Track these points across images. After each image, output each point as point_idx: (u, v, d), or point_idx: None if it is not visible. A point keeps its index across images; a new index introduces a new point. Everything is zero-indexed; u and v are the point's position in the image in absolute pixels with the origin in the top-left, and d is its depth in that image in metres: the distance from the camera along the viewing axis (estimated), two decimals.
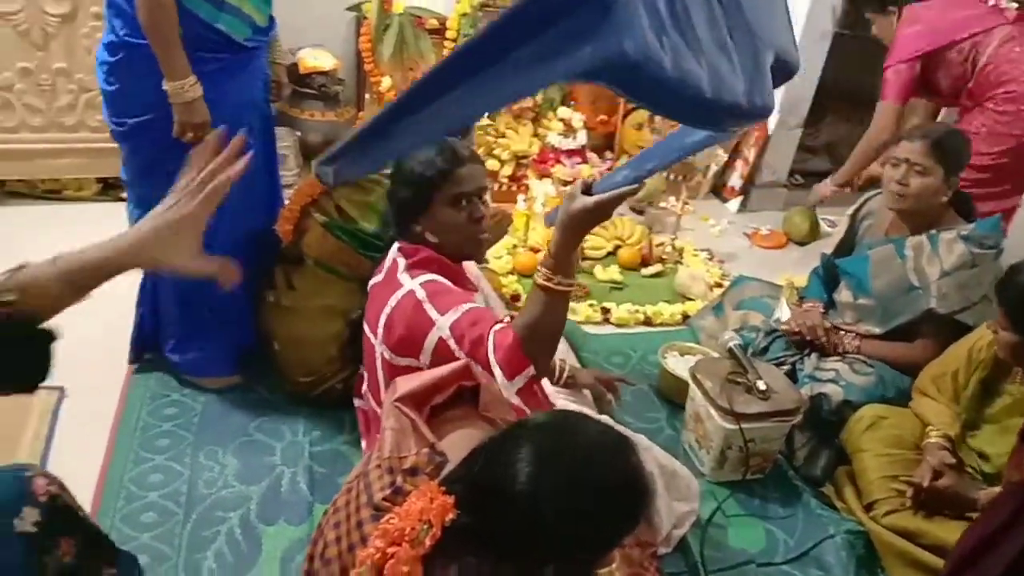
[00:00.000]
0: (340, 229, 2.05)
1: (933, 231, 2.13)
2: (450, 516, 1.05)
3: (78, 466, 1.88)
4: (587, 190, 1.33)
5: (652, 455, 1.83)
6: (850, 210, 2.41)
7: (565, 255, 1.37)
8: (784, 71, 1.08)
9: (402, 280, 1.63)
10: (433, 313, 1.54)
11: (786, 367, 2.25)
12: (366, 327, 1.73)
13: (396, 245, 1.74)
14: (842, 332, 2.26)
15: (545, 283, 1.38)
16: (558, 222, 1.37)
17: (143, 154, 1.98)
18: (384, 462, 1.26)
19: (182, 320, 2.18)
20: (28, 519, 1.21)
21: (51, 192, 3.08)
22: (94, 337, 2.31)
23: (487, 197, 1.72)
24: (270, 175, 2.29)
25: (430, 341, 1.54)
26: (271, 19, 2.08)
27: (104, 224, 2.45)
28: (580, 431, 1.09)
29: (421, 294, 1.58)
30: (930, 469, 1.84)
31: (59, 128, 2.90)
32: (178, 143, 1.86)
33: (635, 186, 1.29)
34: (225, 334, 2.22)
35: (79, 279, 1.03)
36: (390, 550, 1.03)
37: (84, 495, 1.67)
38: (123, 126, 1.93)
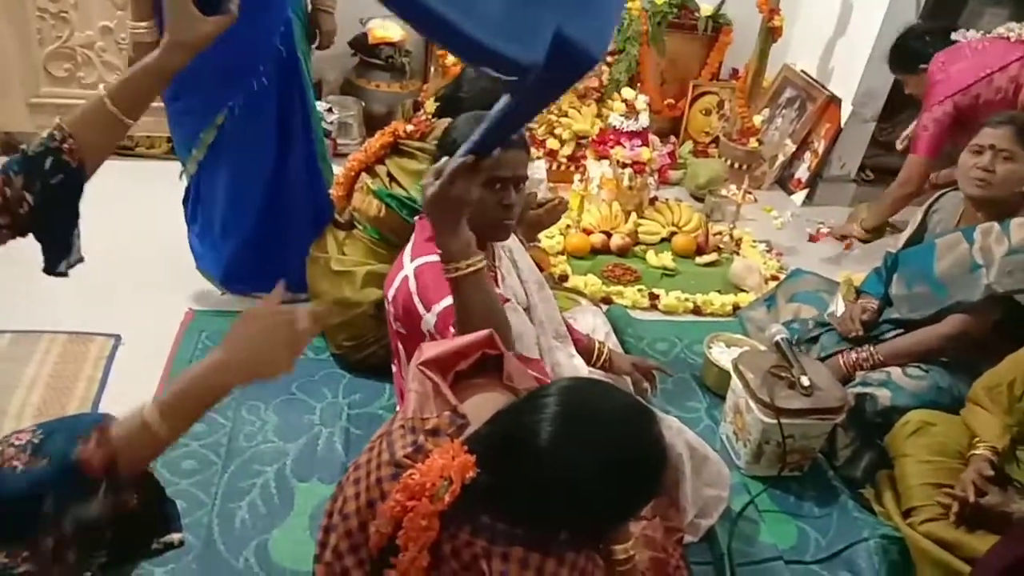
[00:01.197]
0: (390, 196, 2.08)
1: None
2: (470, 474, 1.08)
3: (126, 411, 1.96)
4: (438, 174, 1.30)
5: (684, 438, 1.81)
6: (923, 206, 2.32)
7: (444, 243, 1.34)
8: (575, 55, 0.99)
9: (404, 260, 1.64)
10: (420, 308, 1.56)
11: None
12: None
13: (417, 217, 1.75)
14: (864, 349, 2.17)
15: (447, 276, 1.37)
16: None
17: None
18: (407, 422, 1.28)
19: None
20: None
21: (124, 148, 3.20)
22: (151, 287, 2.42)
23: (523, 187, 1.67)
24: (304, 113, 2.31)
25: (424, 328, 1.57)
26: None
27: (172, 180, 2.57)
28: (606, 397, 1.12)
29: (412, 284, 1.59)
30: (972, 484, 1.77)
31: None
32: (208, 68, 1.93)
33: (467, 158, 1.24)
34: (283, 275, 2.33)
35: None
36: (410, 503, 1.05)
37: None
38: None
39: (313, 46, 2.36)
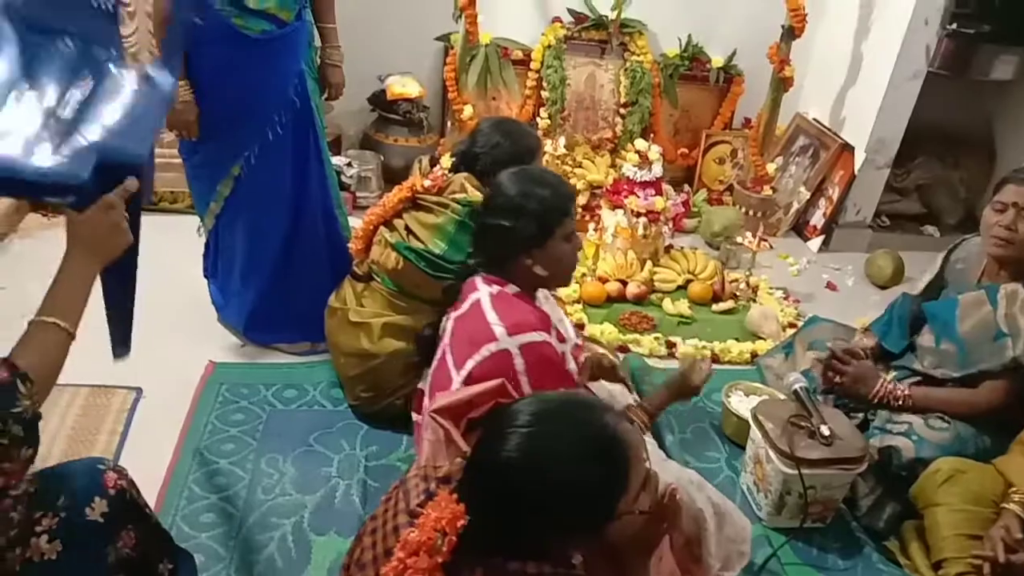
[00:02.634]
0: (409, 250, 2.10)
1: None
2: (461, 522, 1.09)
3: (147, 463, 1.97)
4: None
5: (705, 493, 1.79)
6: (943, 253, 2.31)
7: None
8: (119, 157, 1.22)
9: (497, 332, 1.61)
10: (527, 389, 1.58)
11: (858, 418, 2.15)
12: (448, 356, 1.70)
13: (480, 278, 1.73)
14: (902, 386, 2.13)
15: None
16: None
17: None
18: (421, 471, 1.30)
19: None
20: (97, 509, 1.28)
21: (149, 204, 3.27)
22: (174, 339, 2.45)
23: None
24: (319, 163, 2.39)
25: None
26: (302, 14, 2.22)
27: (193, 232, 2.62)
28: (556, 399, 1.20)
29: (520, 364, 1.59)
30: (1001, 541, 1.72)
31: (158, 144, 3.08)
32: (226, 119, 2.20)
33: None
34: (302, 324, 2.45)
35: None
36: (410, 561, 1.06)
37: (150, 492, 1.76)
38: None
39: (323, 98, 2.45)
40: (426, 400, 1.85)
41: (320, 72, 2.43)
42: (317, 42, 2.44)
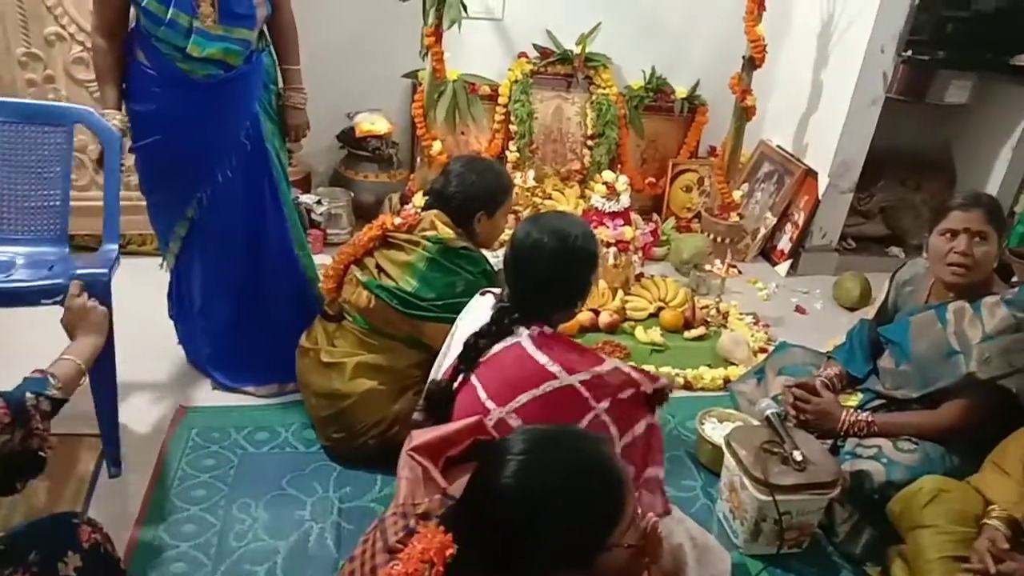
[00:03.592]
0: (380, 288, 2.11)
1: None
2: (450, 551, 1.10)
3: (116, 513, 1.94)
4: None
5: (684, 527, 1.79)
6: (890, 277, 2.35)
7: None
8: None
9: (554, 369, 1.64)
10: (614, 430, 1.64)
11: (828, 443, 2.17)
12: (485, 397, 1.67)
13: (527, 332, 1.70)
14: (863, 415, 2.14)
15: None
16: None
17: (149, 169, 2.31)
18: (399, 508, 1.29)
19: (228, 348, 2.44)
20: (71, 564, 1.27)
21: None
22: (143, 385, 2.42)
23: None
24: (276, 205, 2.36)
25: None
26: (253, 57, 2.19)
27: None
28: (554, 436, 1.22)
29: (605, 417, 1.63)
30: (988, 553, 1.72)
31: (124, 187, 3.05)
32: (176, 161, 2.22)
33: None
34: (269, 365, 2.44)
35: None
36: None
37: (119, 542, 1.72)
38: (133, 150, 2.26)
39: (286, 140, 2.44)
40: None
41: (280, 114, 2.41)
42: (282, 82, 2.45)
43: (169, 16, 2.04)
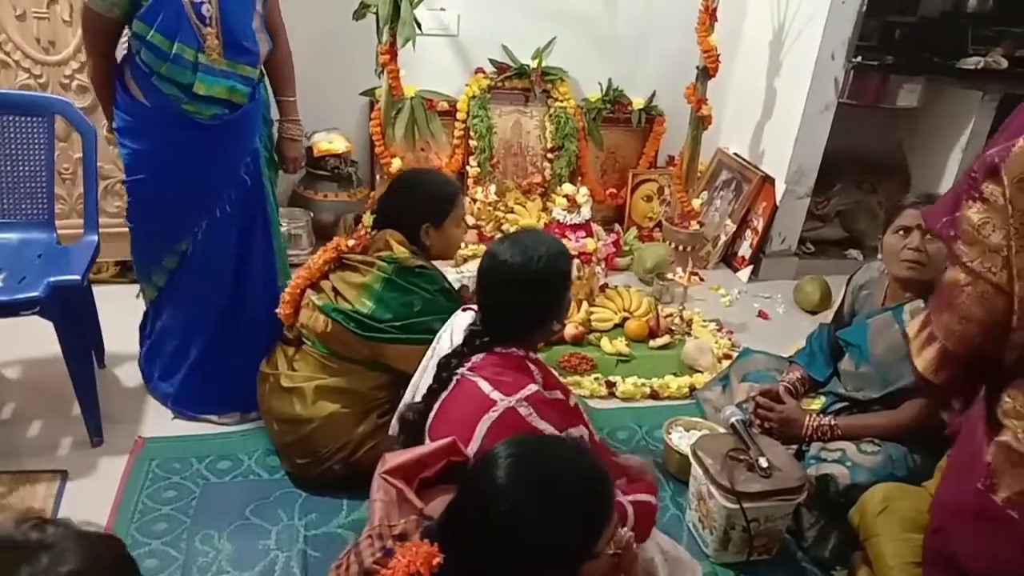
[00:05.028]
0: (336, 311, 2.08)
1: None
2: (436, 560, 1.11)
3: None
4: None
5: (655, 541, 1.78)
6: (847, 281, 2.39)
7: None
8: None
9: (495, 398, 1.60)
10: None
11: (793, 448, 2.19)
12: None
13: (481, 360, 1.67)
14: (826, 419, 2.17)
15: None
16: None
17: (141, 203, 2.26)
18: (374, 531, 1.28)
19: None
20: None
21: None
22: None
23: None
24: (266, 238, 2.36)
25: None
26: (252, 95, 2.18)
27: (118, 302, 2.56)
28: (544, 444, 1.30)
29: (527, 412, 1.59)
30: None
31: (79, 215, 3.00)
32: (173, 198, 2.19)
33: None
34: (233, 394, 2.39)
35: None
36: None
37: None
38: (125, 183, 2.27)
39: (280, 171, 2.43)
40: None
41: (277, 146, 2.40)
42: (274, 113, 2.41)
43: (174, 51, 2.00)
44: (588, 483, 1.17)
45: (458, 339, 1.76)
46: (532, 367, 1.70)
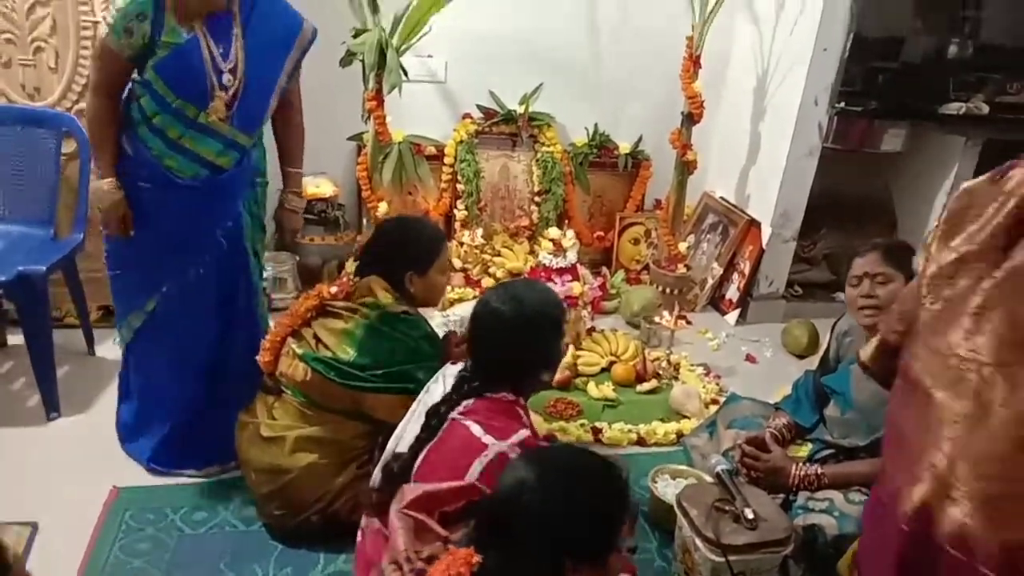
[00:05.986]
0: (317, 360, 2.05)
1: None
2: (476, 560, 1.18)
3: None
4: None
5: None
6: (831, 327, 2.38)
7: None
8: None
9: (487, 442, 1.61)
10: None
11: (780, 497, 2.15)
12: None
13: (472, 404, 1.68)
14: (812, 468, 2.13)
15: None
16: None
17: (116, 253, 2.25)
18: (400, 555, 1.33)
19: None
20: None
21: (54, 319, 3.14)
22: (71, 469, 2.31)
23: None
24: (248, 299, 2.32)
25: None
26: (243, 160, 2.15)
27: (102, 345, 2.53)
28: (565, 448, 1.52)
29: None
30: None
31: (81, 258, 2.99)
32: (144, 254, 2.18)
33: None
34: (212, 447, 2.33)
35: None
36: None
37: None
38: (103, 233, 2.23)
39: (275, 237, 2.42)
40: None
41: (276, 215, 2.36)
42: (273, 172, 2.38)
43: (175, 105, 1.99)
44: (609, 478, 1.29)
45: (448, 388, 1.76)
46: (521, 413, 1.71)
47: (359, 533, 1.81)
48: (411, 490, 1.43)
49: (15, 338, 2.85)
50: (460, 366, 1.81)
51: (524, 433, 1.63)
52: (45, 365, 2.55)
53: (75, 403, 2.63)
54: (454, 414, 1.67)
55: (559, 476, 1.26)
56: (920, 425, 1.26)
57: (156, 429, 2.35)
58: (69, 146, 2.80)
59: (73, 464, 2.32)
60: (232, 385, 2.30)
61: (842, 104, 3.57)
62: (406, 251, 2.17)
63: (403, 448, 1.74)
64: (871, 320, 2.09)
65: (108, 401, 2.49)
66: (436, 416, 1.71)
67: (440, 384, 1.81)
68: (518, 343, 1.71)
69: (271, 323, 2.27)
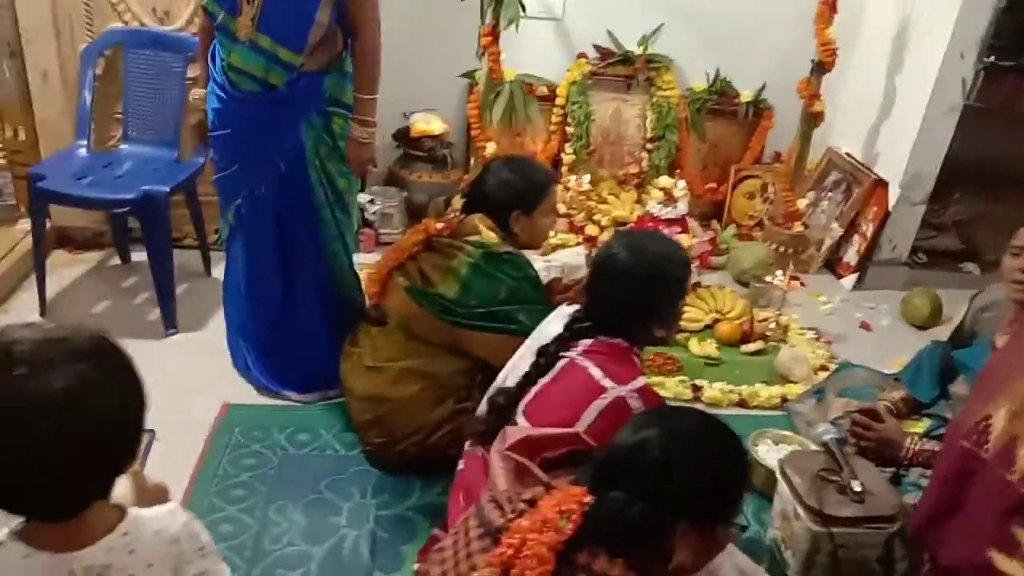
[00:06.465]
0: (421, 294, 2.07)
1: None
2: (587, 499, 1.16)
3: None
4: None
5: (734, 560, 1.69)
6: (969, 300, 2.21)
7: None
8: None
9: (606, 385, 1.61)
10: None
11: (889, 472, 2.05)
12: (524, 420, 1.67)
13: (589, 345, 1.68)
14: (920, 442, 2.01)
15: None
16: None
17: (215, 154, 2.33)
18: (500, 495, 1.31)
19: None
20: None
21: (175, 240, 3.27)
22: (188, 382, 2.42)
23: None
24: (313, 233, 2.29)
25: None
26: (301, 80, 2.10)
27: (218, 267, 2.57)
28: (691, 412, 1.39)
29: (638, 406, 1.60)
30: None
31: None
32: (226, 160, 2.27)
33: None
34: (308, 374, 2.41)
35: None
36: (530, 537, 1.11)
37: None
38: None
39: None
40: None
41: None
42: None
43: (220, 19, 2.03)
44: (735, 447, 1.29)
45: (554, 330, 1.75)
46: (636, 360, 1.71)
47: (461, 460, 1.84)
48: (513, 432, 1.42)
49: (139, 255, 2.98)
50: (573, 308, 1.80)
51: (642, 380, 1.62)
52: (165, 283, 2.68)
53: (192, 321, 2.76)
54: (571, 353, 1.67)
55: (689, 439, 1.24)
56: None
57: (248, 347, 2.45)
58: (194, 71, 2.87)
59: (188, 379, 2.43)
60: (302, 314, 2.36)
61: (991, 59, 3.27)
62: (514, 190, 2.13)
63: (511, 383, 1.75)
64: (1019, 296, 1.94)
65: (222, 321, 2.59)
66: (546, 355, 1.71)
67: (555, 324, 1.80)
68: (636, 294, 1.68)
69: (358, 260, 2.27)
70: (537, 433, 1.44)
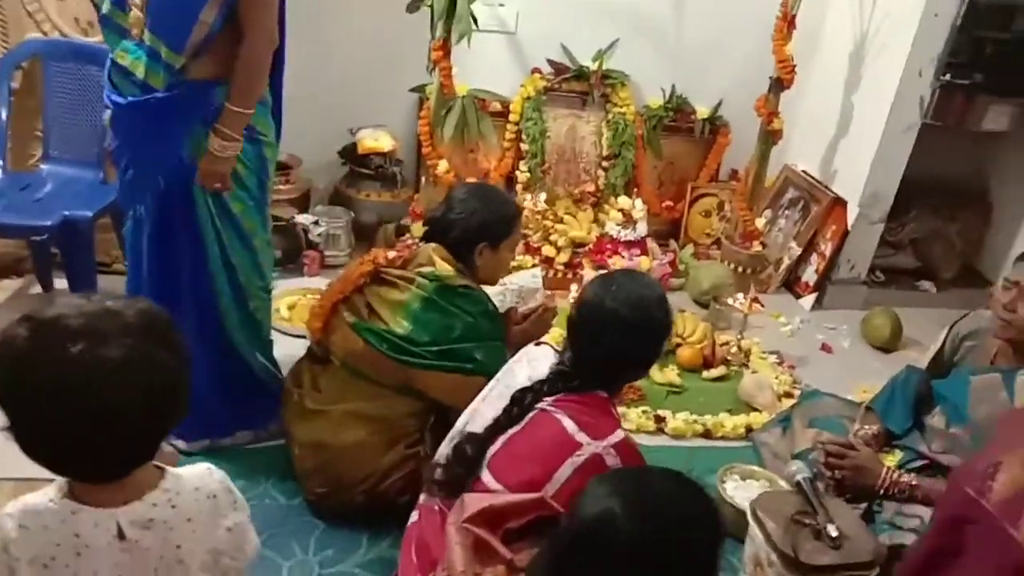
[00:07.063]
0: (367, 330, 1.91)
1: None
2: None
3: None
4: None
5: None
6: (947, 326, 2.15)
7: None
8: None
9: (580, 439, 1.51)
10: None
11: (860, 508, 1.96)
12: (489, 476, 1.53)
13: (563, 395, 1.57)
14: (906, 477, 1.94)
15: None
16: None
17: None
18: (456, 574, 1.22)
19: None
20: None
21: (102, 265, 3.06)
22: None
23: None
24: (194, 255, 2.05)
25: None
26: (182, 87, 1.89)
27: None
28: (657, 475, 1.20)
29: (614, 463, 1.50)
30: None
31: None
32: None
33: None
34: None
35: None
36: None
37: None
38: None
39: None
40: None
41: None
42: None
43: (105, 11, 1.87)
44: (710, 513, 1.13)
45: (533, 372, 1.64)
46: (614, 411, 1.61)
47: (415, 511, 1.69)
48: (472, 501, 1.29)
49: (62, 282, 2.76)
50: (546, 350, 1.69)
51: (620, 434, 1.51)
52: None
53: None
54: (544, 404, 1.56)
55: (656, 508, 1.10)
56: None
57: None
58: None
59: None
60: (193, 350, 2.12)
61: (947, 76, 3.25)
62: (483, 221, 1.99)
63: (475, 429, 1.62)
64: (1001, 333, 1.90)
65: None
66: (520, 404, 1.59)
67: (524, 366, 1.69)
68: (629, 346, 1.59)
69: (303, 285, 2.08)
70: (500, 502, 1.31)
